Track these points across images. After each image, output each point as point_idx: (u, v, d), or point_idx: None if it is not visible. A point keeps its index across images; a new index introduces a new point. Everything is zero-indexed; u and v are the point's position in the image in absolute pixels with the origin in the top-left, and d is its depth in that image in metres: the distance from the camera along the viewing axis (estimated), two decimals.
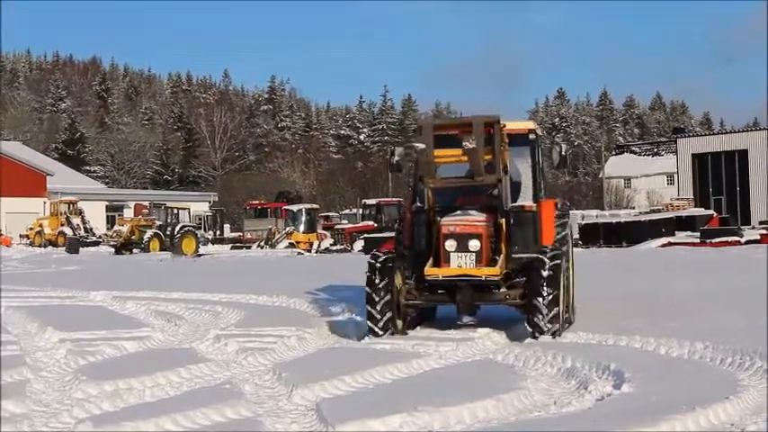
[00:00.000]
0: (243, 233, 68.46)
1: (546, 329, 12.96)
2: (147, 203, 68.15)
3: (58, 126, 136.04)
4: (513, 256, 13.95)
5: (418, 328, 14.66)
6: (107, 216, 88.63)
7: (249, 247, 57.70)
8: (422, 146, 13.13)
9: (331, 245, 58.96)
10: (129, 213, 79.32)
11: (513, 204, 14.19)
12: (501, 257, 13.62)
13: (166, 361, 11.47)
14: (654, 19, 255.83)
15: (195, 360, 11.73)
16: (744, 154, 71.43)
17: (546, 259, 13.20)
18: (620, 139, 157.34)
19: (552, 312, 12.99)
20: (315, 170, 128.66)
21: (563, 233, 14.67)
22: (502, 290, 13.78)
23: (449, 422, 8.35)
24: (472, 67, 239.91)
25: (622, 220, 58.79)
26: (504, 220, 13.84)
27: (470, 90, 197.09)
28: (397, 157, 14.77)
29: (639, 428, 7.69)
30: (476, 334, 13.57)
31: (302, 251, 54.23)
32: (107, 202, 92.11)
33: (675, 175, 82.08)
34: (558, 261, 13.26)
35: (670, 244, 49.24)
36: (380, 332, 13.54)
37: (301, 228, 59.00)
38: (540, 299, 13.01)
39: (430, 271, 13.59)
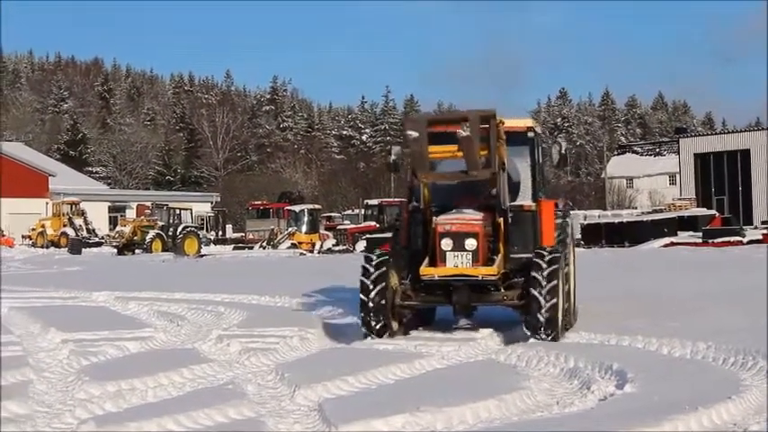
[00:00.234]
0: (245, 234, 68.45)
1: (543, 332, 12.70)
2: (149, 204, 68.22)
3: (60, 127, 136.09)
4: (512, 256, 13.71)
5: (420, 328, 14.58)
6: (109, 217, 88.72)
7: (251, 248, 57.75)
8: (415, 134, 12.75)
9: (333, 245, 58.93)
10: (131, 214, 79.47)
11: (512, 204, 13.90)
12: (499, 257, 13.35)
13: (169, 361, 11.47)
14: (655, 19, 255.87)
15: (198, 360, 11.73)
16: (746, 154, 71.43)
17: (544, 260, 12.91)
18: (623, 139, 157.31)
19: (550, 314, 12.70)
20: (317, 171, 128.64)
21: (563, 234, 14.40)
22: (500, 290, 13.53)
23: (451, 422, 8.35)
24: (474, 67, 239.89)
25: (624, 220, 58.84)
26: (501, 219, 13.56)
27: (472, 90, 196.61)
28: (393, 156, 14.57)
29: (642, 428, 7.69)
30: (478, 334, 13.56)
31: (304, 252, 54.26)
32: (109, 203, 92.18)
33: (677, 175, 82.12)
34: (557, 262, 12.96)
35: (672, 244, 49.28)
36: (374, 334, 13.31)
37: (303, 228, 59.01)
38: (538, 300, 12.71)
39: (425, 271, 13.32)
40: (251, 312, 17.16)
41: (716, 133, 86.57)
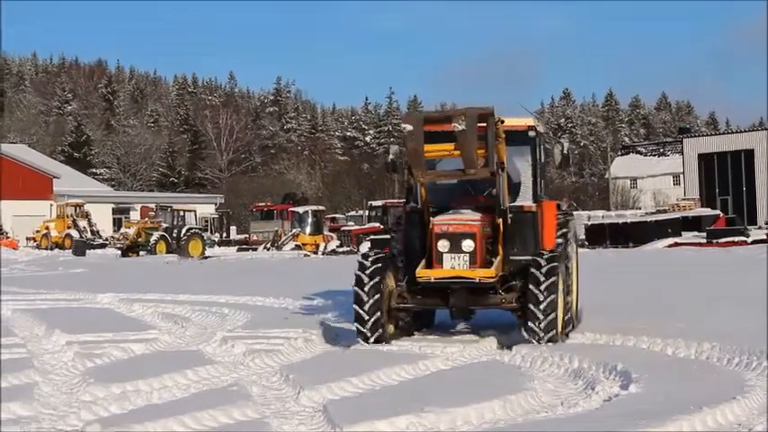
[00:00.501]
0: (249, 235, 68.45)
1: (542, 335, 12.42)
2: (153, 206, 68.17)
3: (64, 129, 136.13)
4: (512, 258, 13.40)
5: (422, 330, 14.52)
6: (113, 218, 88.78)
7: (255, 249, 57.78)
8: (409, 127, 12.36)
9: (337, 246, 58.93)
10: (135, 216, 79.47)
11: (512, 204, 13.55)
12: (497, 259, 13.06)
13: (174, 363, 11.48)
14: (658, 19, 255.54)
15: (202, 362, 11.75)
16: (749, 154, 71.41)
17: (543, 262, 12.67)
18: (626, 139, 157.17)
19: (549, 317, 12.43)
20: (321, 172, 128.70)
21: (566, 235, 14.09)
22: (498, 293, 13.22)
23: (456, 423, 8.36)
24: (477, 68, 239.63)
25: (629, 220, 58.80)
26: (500, 220, 13.23)
27: (475, 91, 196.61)
28: (392, 156, 14.15)
29: (647, 429, 7.70)
30: (482, 335, 13.55)
31: (308, 253, 54.26)
32: (113, 205, 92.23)
33: (681, 176, 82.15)
34: (557, 264, 12.72)
35: (677, 244, 49.25)
36: (370, 338, 12.94)
37: (307, 229, 58.99)
38: (536, 303, 12.44)
39: (421, 272, 13.01)
40: (255, 314, 17.18)
41: (720, 133, 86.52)
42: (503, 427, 8.33)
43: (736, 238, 48.27)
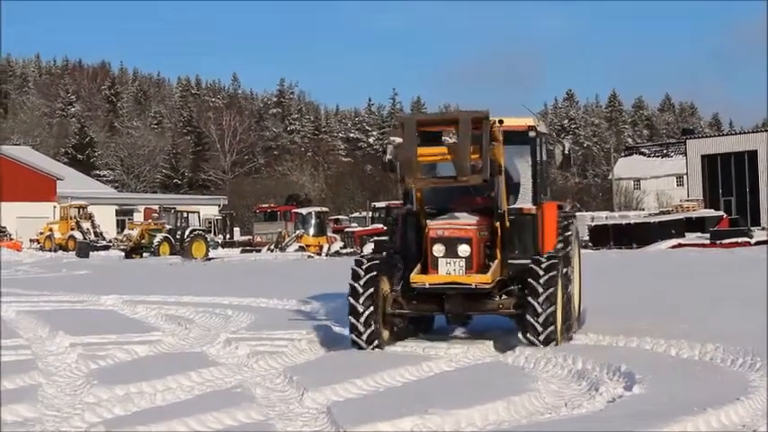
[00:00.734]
0: (253, 236, 68.56)
1: (541, 340, 12.16)
2: (156, 207, 68.23)
3: (67, 130, 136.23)
4: (511, 262, 13.10)
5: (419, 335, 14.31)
6: (117, 220, 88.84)
7: (259, 251, 57.85)
8: (398, 140, 12.11)
9: (341, 248, 58.96)
10: (138, 217, 79.48)
11: (511, 206, 13.26)
12: (495, 264, 12.77)
13: (177, 365, 11.49)
14: (658, 19, 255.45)
15: (206, 364, 11.76)
16: (753, 155, 71.42)
17: (542, 266, 12.36)
18: (630, 140, 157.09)
19: (548, 321, 12.17)
20: (324, 173, 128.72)
21: (567, 237, 13.74)
22: (495, 298, 12.94)
23: (460, 425, 8.35)
24: (478, 68, 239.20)
25: (632, 221, 58.83)
26: (498, 223, 12.94)
27: (479, 92, 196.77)
28: (389, 156, 13.00)
29: (651, 430, 7.69)
30: (486, 336, 13.54)
31: (312, 254, 54.28)
32: (117, 207, 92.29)
33: (685, 177, 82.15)
34: (556, 268, 12.40)
35: (680, 245, 49.25)
36: (364, 344, 12.65)
37: (311, 231, 59.03)
38: (534, 308, 12.18)
39: (416, 278, 12.73)
40: (259, 315, 17.18)
41: (723, 134, 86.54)
42: (507, 429, 8.33)
43: (740, 239, 48.29)
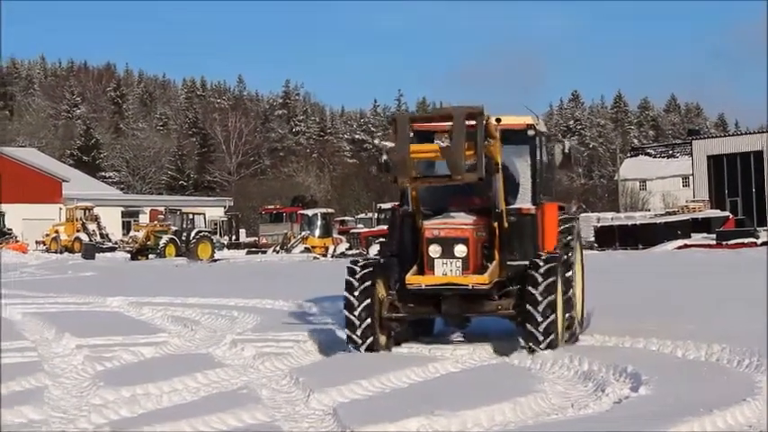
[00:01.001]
0: (258, 238, 68.58)
1: (542, 348, 11.86)
2: (162, 209, 68.31)
3: (73, 132, 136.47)
4: (510, 263, 12.81)
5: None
6: (123, 222, 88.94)
7: (265, 252, 57.91)
8: (390, 144, 11.92)
9: (347, 249, 58.95)
10: (144, 219, 79.65)
11: (510, 207, 12.96)
12: (493, 264, 12.52)
13: (183, 366, 11.49)
14: (658, 19, 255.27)
15: (212, 365, 11.76)
16: (759, 155, 71.32)
17: (540, 271, 12.06)
18: (635, 141, 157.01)
19: (548, 330, 11.91)
20: (330, 174, 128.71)
21: (568, 238, 13.45)
22: (493, 300, 12.67)
23: (466, 426, 8.35)
24: (478, 68, 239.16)
25: (638, 222, 58.83)
26: (496, 223, 12.67)
27: (483, 93, 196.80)
28: (385, 156, 12.58)
29: (657, 430, 7.68)
30: (491, 338, 13.51)
31: (318, 256, 54.32)
32: (122, 208, 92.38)
33: (691, 177, 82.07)
34: (554, 273, 12.13)
35: (686, 246, 49.22)
36: (361, 345, 12.44)
37: (317, 232, 59.10)
38: (534, 317, 11.90)
39: (411, 279, 12.46)
40: (265, 317, 17.18)
41: (729, 135, 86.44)
42: (513, 430, 8.33)
43: (746, 240, 48.26)
